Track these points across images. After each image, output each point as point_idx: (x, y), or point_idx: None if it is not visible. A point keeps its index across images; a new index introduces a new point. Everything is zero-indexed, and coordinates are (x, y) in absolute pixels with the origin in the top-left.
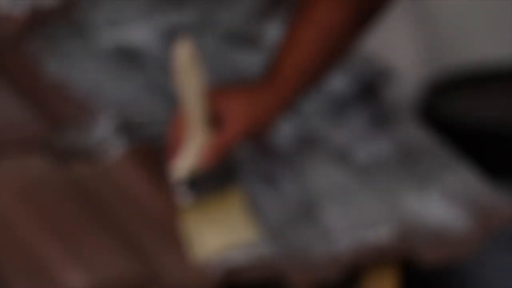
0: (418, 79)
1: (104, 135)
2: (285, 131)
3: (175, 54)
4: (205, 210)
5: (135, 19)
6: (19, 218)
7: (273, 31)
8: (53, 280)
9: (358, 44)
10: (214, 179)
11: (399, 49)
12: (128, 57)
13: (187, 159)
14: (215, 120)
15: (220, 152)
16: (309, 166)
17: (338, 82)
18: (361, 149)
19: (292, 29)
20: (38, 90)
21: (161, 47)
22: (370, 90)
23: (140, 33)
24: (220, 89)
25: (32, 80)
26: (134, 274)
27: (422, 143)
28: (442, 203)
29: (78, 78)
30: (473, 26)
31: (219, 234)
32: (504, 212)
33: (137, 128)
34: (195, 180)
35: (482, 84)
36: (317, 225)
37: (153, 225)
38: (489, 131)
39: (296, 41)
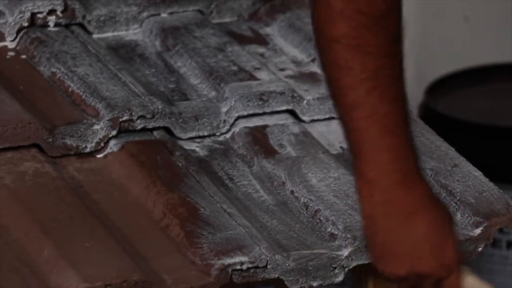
0: (419, 78)
1: (99, 134)
2: (286, 132)
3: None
4: None
5: (131, 17)
6: (11, 219)
7: (273, 29)
8: (46, 282)
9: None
10: None
11: None
12: (124, 55)
13: None
14: None
15: None
16: (310, 166)
17: None
18: None
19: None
20: (33, 90)
21: (157, 45)
22: None
23: (136, 32)
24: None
25: (27, 80)
26: (131, 276)
27: (423, 143)
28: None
29: (73, 77)
30: (474, 27)
31: None
32: (505, 212)
33: (133, 126)
34: None
35: (481, 83)
36: (317, 226)
37: (151, 225)
38: (490, 130)
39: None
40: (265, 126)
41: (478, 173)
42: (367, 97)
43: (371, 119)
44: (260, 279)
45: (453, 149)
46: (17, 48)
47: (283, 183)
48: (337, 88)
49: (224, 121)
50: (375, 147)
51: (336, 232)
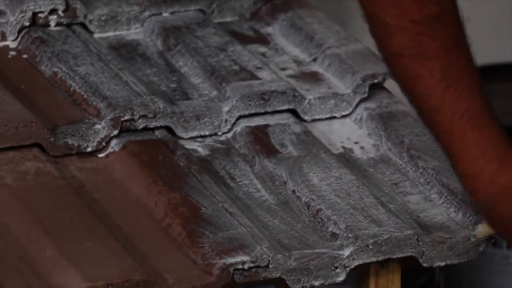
0: None
1: (100, 134)
2: (288, 132)
3: None
4: None
5: (132, 17)
6: (13, 218)
7: (275, 29)
8: (47, 282)
9: None
10: None
11: None
12: (125, 55)
13: None
14: None
15: None
16: (311, 165)
17: (341, 82)
18: (362, 148)
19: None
20: (34, 89)
21: (158, 45)
22: (372, 89)
23: (137, 31)
24: None
25: (29, 79)
26: (133, 275)
27: (424, 142)
28: (444, 203)
29: (74, 76)
30: (474, 27)
31: None
32: None
33: (134, 126)
34: None
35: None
36: (319, 225)
37: (152, 225)
38: None
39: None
40: (267, 126)
41: None
42: (443, 99)
43: (453, 119)
44: (262, 279)
45: None
46: (19, 47)
47: (285, 182)
48: (413, 96)
49: (226, 120)
50: (464, 145)
51: (337, 232)
